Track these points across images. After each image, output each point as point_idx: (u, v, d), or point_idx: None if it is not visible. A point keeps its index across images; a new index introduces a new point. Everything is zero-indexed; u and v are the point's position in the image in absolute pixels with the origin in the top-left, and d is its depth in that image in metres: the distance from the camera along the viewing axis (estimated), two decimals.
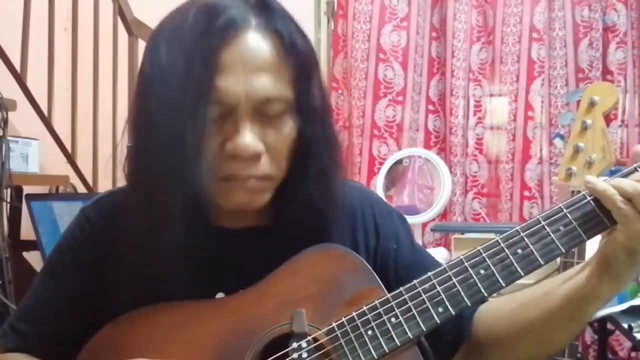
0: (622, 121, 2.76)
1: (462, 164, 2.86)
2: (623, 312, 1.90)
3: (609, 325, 2.04)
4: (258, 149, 0.73)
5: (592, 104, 1.02)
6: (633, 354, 2.58)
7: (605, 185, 0.70)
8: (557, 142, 2.60)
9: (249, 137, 0.72)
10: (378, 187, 2.62)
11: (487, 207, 2.87)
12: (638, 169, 0.72)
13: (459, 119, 2.84)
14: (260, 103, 0.73)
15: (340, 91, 3.02)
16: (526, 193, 2.81)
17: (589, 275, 0.74)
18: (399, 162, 2.65)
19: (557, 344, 0.81)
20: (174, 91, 0.70)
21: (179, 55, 0.71)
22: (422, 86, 2.95)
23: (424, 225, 2.71)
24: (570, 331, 0.79)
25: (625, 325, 1.86)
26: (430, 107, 2.95)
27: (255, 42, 0.73)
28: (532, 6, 2.80)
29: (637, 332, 1.83)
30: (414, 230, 2.56)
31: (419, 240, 2.57)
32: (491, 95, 2.89)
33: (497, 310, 0.84)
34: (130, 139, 0.78)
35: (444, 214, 2.82)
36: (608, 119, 1.05)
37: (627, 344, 2.58)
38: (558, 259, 1.04)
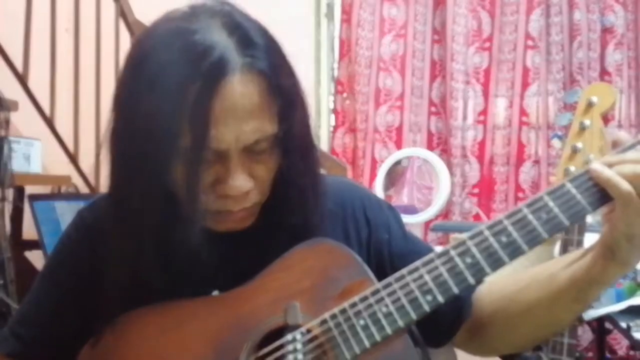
0: (619, 122, 2.78)
1: (461, 165, 2.88)
2: (621, 311, 1.91)
3: (607, 325, 2.05)
4: (248, 187, 0.76)
5: (590, 105, 1.02)
6: (631, 353, 2.60)
7: (610, 173, 0.71)
8: (555, 142, 2.62)
9: (240, 179, 0.75)
10: (377, 187, 2.64)
11: (485, 208, 2.89)
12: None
13: (458, 121, 2.86)
14: (249, 145, 0.74)
15: (345, 94, 3.04)
16: (520, 195, 2.84)
17: (592, 261, 0.75)
18: (398, 162, 2.66)
19: (562, 322, 0.83)
20: (163, 133, 0.70)
21: (164, 97, 0.70)
22: (423, 89, 2.97)
23: (427, 225, 2.72)
24: (574, 311, 0.80)
25: (624, 325, 1.87)
26: (433, 109, 2.98)
27: (243, 86, 0.72)
28: (528, 14, 2.82)
29: (636, 331, 1.85)
30: (415, 230, 2.58)
31: None
32: (488, 98, 2.91)
33: (499, 290, 0.86)
34: (112, 159, 0.78)
35: (445, 214, 2.83)
36: (606, 119, 1.06)
37: (625, 342, 2.60)
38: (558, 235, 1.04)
